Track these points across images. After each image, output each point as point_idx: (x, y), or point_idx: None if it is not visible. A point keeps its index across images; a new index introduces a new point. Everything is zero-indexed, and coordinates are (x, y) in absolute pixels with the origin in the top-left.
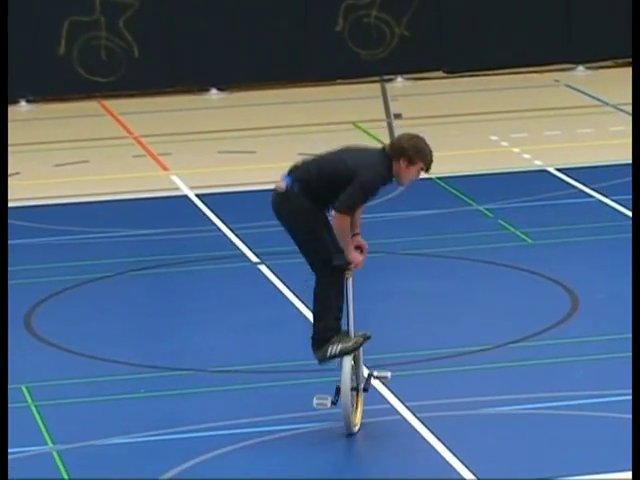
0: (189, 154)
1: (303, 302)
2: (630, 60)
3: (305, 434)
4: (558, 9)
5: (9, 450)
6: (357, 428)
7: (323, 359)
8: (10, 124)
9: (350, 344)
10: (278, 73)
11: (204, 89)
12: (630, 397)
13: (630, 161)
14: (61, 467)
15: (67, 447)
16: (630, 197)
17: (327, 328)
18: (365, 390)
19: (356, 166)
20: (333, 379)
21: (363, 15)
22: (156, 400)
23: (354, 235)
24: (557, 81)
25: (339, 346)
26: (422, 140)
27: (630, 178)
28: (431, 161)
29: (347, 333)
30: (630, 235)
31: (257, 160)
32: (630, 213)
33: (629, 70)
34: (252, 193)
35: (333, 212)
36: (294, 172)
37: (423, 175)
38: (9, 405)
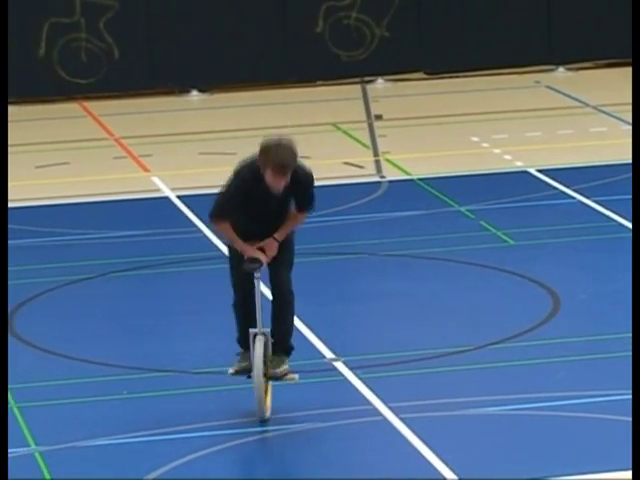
0: (170, 155)
1: None
2: (609, 62)
3: (288, 435)
4: (538, 10)
5: None
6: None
7: None
8: None
9: (239, 366)
10: (259, 74)
11: (185, 90)
12: (610, 398)
13: (610, 162)
14: (44, 468)
15: (50, 448)
16: (611, 198)
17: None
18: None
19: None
20: (316, 380)
21: (343, 16)
22: (139, 401)
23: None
24: (538, 82)
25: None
26: (274, 143)
27: (610, 179)
28: (278, 164)
29: (244, 353)
30: (611, 236)
31: (238, 161)
32: (611, 214)
33: (609, 71)
34: None
35: None
36: None
37: (405, 177)
38: None
